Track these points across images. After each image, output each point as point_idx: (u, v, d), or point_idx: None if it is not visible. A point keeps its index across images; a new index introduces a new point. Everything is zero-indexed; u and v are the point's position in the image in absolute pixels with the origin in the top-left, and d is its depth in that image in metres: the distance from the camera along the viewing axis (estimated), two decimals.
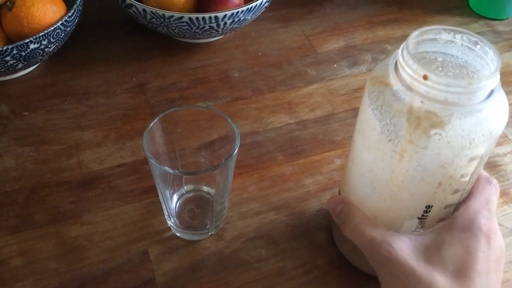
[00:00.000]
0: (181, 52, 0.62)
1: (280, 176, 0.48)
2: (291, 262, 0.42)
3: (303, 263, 0.42)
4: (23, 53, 0.51)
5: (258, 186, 0.47)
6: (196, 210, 0.44)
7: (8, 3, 0.53)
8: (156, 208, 0.45)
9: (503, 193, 0.48)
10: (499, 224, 0.35)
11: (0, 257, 0.41)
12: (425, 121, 0.29)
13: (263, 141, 0.52)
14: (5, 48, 0.49)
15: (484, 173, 0.35)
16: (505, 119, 0.30)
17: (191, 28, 0.56)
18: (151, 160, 0.36)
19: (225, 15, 0.55)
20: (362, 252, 0.34)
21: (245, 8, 0.55)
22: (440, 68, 0.31)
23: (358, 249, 0.35)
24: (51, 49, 0.54)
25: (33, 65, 0.57)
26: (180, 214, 0.44)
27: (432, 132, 0.28)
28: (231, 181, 0.41)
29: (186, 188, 0.45)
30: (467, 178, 0.31)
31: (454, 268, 0.30)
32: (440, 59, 0.31)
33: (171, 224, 0.43)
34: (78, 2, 0.56)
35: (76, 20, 0.56)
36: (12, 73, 0.55)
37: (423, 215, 0.34)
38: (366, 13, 0.70)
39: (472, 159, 0.30)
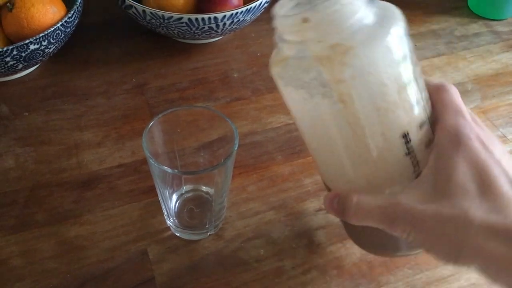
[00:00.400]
0: (181, 53, 0.62)
1: (279, 176, 0.49)
2: (290, 262, 0.42)
3: (302, 262, 0.42)
4: (23, 54, 0.51)
5: (257, 186, 0.48)
6: (195, 210, 0.44)
7: (8, 4, 0.53)
8: (156, 208, 0.45)
9: None
10: None
11: (0, 257, 0.41)
12: (335, 55, 0.28)
13: (262, 141, 0.52)
14: (5, 49, 0.49)
15: (434, 81, 0.33)
16: (399, 12, 0.30)
17: (191, 29, 0.56)
18: (151, 160, 0.37)
19: (225, 16, 0.55)
20: (389, 239, 0.32)
21: (244, 9, 0.56)
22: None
23: (380, 235, 0.32)
24: (51, 50, 0.54)
25: (33, 66, 0.57)
26: (179, 214, 0.44)
27: (347, 58, 0.28)
28: (230, 181, 0.41)
29: (185, 188, 0.45)
30: (414, 85, 0.30)
31: (474, 188, 0.28)
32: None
33: (171, 224, 0.43)
34: (78, 3, 0.56)
35: (76, 21, 0.57)
36: (12, 73, 0.55)
37: (407, 148, 0.31)
38: None
39: (400, 62, 0.29)
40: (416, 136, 0.31)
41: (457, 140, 0.30)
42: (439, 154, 0.30)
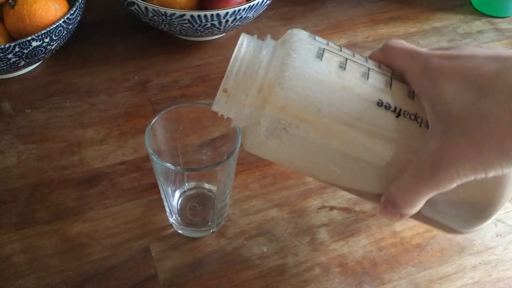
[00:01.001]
0: (183, 50, 0.62)
1: (282, 173, 0.48)
2: (292, 259, 0.42)
3: (304, 260, 0.42)
4: (25, 51, 0.51)
5: (260, 183, 0.47)
6: (198, 207, 0.44)
7: (10, 0, 0.53)
8: (158, 205, 0.45)
9: None
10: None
11: (3, 254, 0.41)
12: (265, 92, 0.29)
13: None
14: (7, 45, 0.49)
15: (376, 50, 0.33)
16: (294, 30, 0.32)
17: (193, 26, 0.56)
18: (153, 157, 0.36)
19: (227, 13, 0.55)
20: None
21: (246, 6, 0.55)
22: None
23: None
24: (53, 47, 0.54)
25: (35, 63, 0.57)
26: (181, 211, 0.44)
27: (275, 87, 0.29)
28: (232, 178, 0.41)
29: (188, 185, 0.45)
30: (351, 64, 0.30)
31: (474, 94, 0.27)
32: None
33: (173, 221, 0.43)
34: (80, 0, 0.56)
35: (78, 18, 0.56)
36: (14, 71, 0.55)
37: (393, 111, 0.30)
38: (368, 11, 0.70)
39: (320, 57, 0.30)
40: (391, 97, 0.30)
41: (427, 74, 0.29)
42: (424, 96, 0.29)
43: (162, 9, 0.54)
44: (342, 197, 0.47)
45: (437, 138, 0.28)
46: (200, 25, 0.56)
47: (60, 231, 0.43)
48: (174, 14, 0.54)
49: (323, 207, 0.46)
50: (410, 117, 0.30)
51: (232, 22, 0.57)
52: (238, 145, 0.37)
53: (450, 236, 0.44)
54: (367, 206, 0.46)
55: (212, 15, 0.54)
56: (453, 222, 0.34)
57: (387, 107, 0.30)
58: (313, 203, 0.46)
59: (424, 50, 0.31)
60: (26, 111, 0.53)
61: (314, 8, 0.70)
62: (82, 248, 0.42)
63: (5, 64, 0.51)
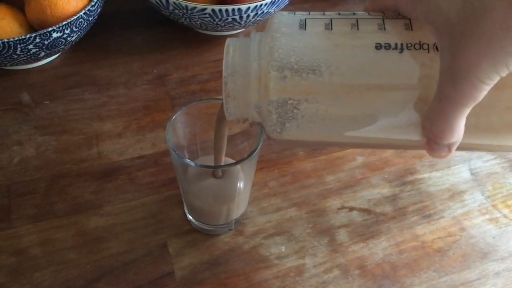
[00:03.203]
0: (203, 45, 0.62)
1: (301, 172, 0.48)
2: (311, 260, 0.41)
3: (323, 261, 0.41)
4: (46, 42, 0.50)
5: (279, 181, 0.47)
6: None
7: None
8: (176, 201, 0.44)
9: None
10: None
11: (20, 246, 0.41)
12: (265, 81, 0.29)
13: None
14: (28, 36, 0.49)
15: (367, 5, 0.32)
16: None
17: (214, 20, 0.55)
18: (174, 153, 0.36)
19: (249, 8, 0.54)
20: None
21: (268, 1, 0.55)
22: None
23: None
24: (73, 38, 0.54)
25: (55, 54, 0.56)
26: None
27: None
28: (253, 176, 0.41)
29: None
30: (339, 21, 0.30)
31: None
32: None
33: (191, 218, 0.43)
34: None
35: (99, 10, 0.56)
36: (34, 61, 0.55)
37: (396, 47, 0.28)
38: None
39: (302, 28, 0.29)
40: (387, 36, 0.29)
41: None
42: (423, 17, 0.28)
43: (183, 3, 0.53)
44: (362, 198, 0.46)
45: (447, 53, 0.26)
46: (221, 19, 0.55)
47: (77, 225, 0.43)
48: (195, 8, 0.53)
49: (342, 207, 0.45)
50: (414, 47, 0.28)
51: (253, 17, 0.56)
52: (261, 143, 0.37)
53: (472, 241, 0.43)
54: (388, 207, 0.45)
55: (233, 9, 0.54)
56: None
57: (387, 47, 0.28)
58: (332, 203, 0.45)
59: None
60: (45, 102, 0.53)
61: (335, 4, 0.69)
62: (99, 242, 0.42)
63: (25, 55, 0.51)
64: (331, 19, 0.30)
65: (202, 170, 0.39)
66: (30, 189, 0.45)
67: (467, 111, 0.26)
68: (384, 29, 0.29)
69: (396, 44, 0.28)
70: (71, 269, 0.40)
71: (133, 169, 0.47)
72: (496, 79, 0.25)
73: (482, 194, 0.47)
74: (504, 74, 0.24)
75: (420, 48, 0.28)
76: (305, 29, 0.29)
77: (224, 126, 0.37)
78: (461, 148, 0.29)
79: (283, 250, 0.42)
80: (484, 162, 0.50)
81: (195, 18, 0.55)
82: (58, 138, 0.50)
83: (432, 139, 0.28)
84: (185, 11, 0.54)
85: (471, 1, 0.25)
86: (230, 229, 0.43)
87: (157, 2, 0.56)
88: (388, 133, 0.30)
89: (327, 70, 0.28)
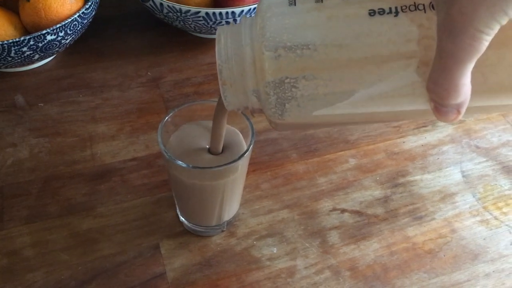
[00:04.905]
0: (197, 47, 0.62)
1: (294, 174, 0.48)
2: (303, 262, 0.41)
3: (315, 262, 0.41)
4: (40, 44, 0.51)
5: (271, 183, 0.47)
6: None
7: None
8: (169, 203, 0.45)
9: None
10: None
11: (13, 247, 0.41)
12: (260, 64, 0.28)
13: (277, 139, 0.51)
14: (22, 38, 0.49)
15: None
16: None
17: (208, 23, 0.55)
18: (166, 154, 0.36)
19: (242, 11, 0.54)
20: None
21: None
22: None
23: None
24: (67, 41, 0.54)
25: (49, 56, 0.57)
26: None
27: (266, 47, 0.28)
28: (244, 178, 0.41)
29: None
30: None
31: None
32: None
33: (183, 219, 0.43)
34: None
35: (93, 13, 0.56)
36: (28, 64, 0.55)
37: (385, 11, 0.28)
38: None
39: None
40: (379, 2, 0.28)
41: None
42: None
43: (177, 6, 0.54)
44: (354, 200, 0.46)
45: (442, 7, 0.25)
46: (214, 22, 0.55)
47: (70, 226, 0.43)
48: (189, 11, 0.54)
49: (334, 209, 0.45)
50: (409, 9, 0.27)
51: None
52: (252, 145, 0.37)
53: (463, 243, 0.43)
54: (379, 209, 0.45)
55: (227, 12, 0.54)
56: None
57: (381, 12, 0.27)
58: (324, 205, 0.46)
59: None
60: (39, 104, 0.53)
61: None
62: (91, 243, 0.42)
63: (19, 57, 0.51)
64: None
65: (197, 146, 0.39)
66: (23, 190, 0.45)
67: (470, 66, 0.24)
68: None
69: (390, 8, 0.27)
70: (63, 270, 0.40)
71: (126, 171, 0.47)
72: (496, 28, 0.23)
73: (473, 196, 0.47)
74: (503, 22, 0.23)
75: (415, 9, 0.27)
76: (295, 5, 0.28)
77: (224, 117, 0.36)
78: (471, 111, 0.28)
79: (274, 251, 0.42)
80: (475, 164, 0.50)
81: (189, 21, 0.55)
82: (51, 140, 0.50)
83: (438, 101, 0.26)
84: (179, 14, 0.55)
85: None
86: (222, 231, 0.43)
87: (151, 5, 0.56)
88: (393, 104, 0.29)
89: (322, 44, 0.27)
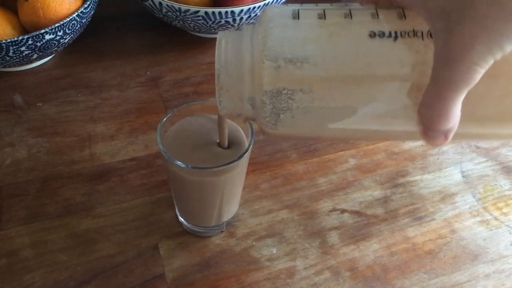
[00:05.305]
0: (196, 47, 0.62)
1: (293, 174, 0.48)
2: (302, 262, 0.41)
3: (314, 263, 0.41)
4: (38, 44, 0.50)
5: (271, 184, 0.47)
6: None
7: None
8: (168, 203, 0.44)
9: None
10: None
11: (11, 247, 0.41)
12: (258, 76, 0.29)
13: None
14: (20, 38, 0.49)
15: None
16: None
17: (207, 23, 0.55)
18: (165, 155, 0.36)
19: (242, 10, 0.54)
20: None
21: (261, 3, 0.55)
22: None
23: None
24: (66, 41, 0.54)
25: (48, 56, 0.56)
26: None
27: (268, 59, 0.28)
28: (243, 178, 0.41)
29: None
30: (329, 6, 0.30)
31: None
32: None
33: (183, 219, 0.43)
34: None
35: (92, 12, 0.56)
36: (27, 63, 0.55)
37: (390, 35, 0.28)
38: None
39: (294, 18, 0.29)
40: (381, 24, 0.29)
41: None
42: (415, 4, 0.28)
43: (176, 5, 0.53)
44: (354, 200, 0.46)
45: (441, 36, 0.26)
46: (214, 22, 0.55)
47: (68, 226, 0.43)
48: (188, 10, 0.53)
49: (334, 209, 0.45)
50: (408, 35, 0.28)
51: (246, 19, 0.56)
52: (251, 145, 0.37)
53: (463, 243, 0.43)
54: (379, 210, 0.45)
55: (226, 12, 0.54)
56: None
57: (381, 35, 0.28)
58: (324, 205, 0.45)
59: None
60: (38, 104, 0.53)
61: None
62: (90, 244, 0.42)
63: (18, 57, 0.51)
64: (324, 10, 0.30)
65: (207, 140, 0.39)
66: (22, 191, 0.45)
67: (462, 95, 0.25)
68: (378, 18, 0.29)
69: (390, 32, 0.28)
70: (61, 271, 0.40)
71: (125, 171, 0.47)
72: (490, 62, 0.24)
73: (473, 197, 0.47)
74: (498, 56, 0.24)
75: (414, 36, 0.28)
76: (298, 19, 0.29)
77: (223, 119, 0.36)
78: (458, 136, 0.29)
79: (274, 252, 0.42)
80: (475, 164, 0.50)
81: (188, 20, 0.55)
82: (50, 140, 0.50)
83: (428, 125, 0.27)
84: (178, 13, 0.54)
85: None
86: (222, 231, 0.43)
87: (150, 5, 0.56)
88: (384, 124, 0.30)
89: (321, 59, 0.28)
